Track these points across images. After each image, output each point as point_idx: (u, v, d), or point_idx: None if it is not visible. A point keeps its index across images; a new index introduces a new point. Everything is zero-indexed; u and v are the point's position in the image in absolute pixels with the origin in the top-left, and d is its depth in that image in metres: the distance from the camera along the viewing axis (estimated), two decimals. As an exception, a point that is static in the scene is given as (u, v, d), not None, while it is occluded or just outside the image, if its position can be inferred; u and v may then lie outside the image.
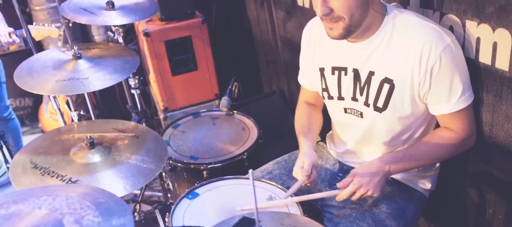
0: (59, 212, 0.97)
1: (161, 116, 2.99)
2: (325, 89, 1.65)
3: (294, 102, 2.81)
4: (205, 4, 3.07)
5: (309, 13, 2.30)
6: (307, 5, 2.30)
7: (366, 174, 1.45)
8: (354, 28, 1.40)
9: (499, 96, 1.38)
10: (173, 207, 1.57)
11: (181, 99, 2.97)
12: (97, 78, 1.81)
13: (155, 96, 3.14)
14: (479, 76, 1.41)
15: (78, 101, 3.55)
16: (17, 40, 2.65)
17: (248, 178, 1.67)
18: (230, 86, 2.27)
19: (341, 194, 1.47)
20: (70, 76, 1.80)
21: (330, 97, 1.65)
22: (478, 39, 1.36)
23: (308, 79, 1.79)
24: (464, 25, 1.39)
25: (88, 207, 0.99)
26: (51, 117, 3.78)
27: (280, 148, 2.12)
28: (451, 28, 1.45)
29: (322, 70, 1.64)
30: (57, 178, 1.60)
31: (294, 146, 1.82)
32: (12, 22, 2.77)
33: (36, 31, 2.73)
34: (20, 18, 2.12)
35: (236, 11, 3.26)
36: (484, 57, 1.36)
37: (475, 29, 1.36)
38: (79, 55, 1.87)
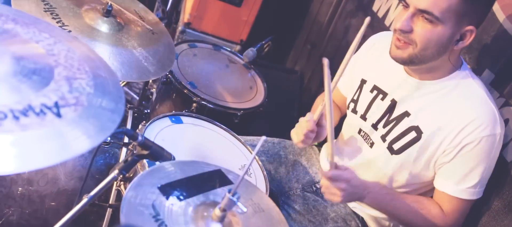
0: (54, 59, 0.87)
1: (179, 28, 2.85)
2: (355, 101, 1.58)
3: (308, 92, 2.73)
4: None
5: (376, 22, 2.19)
6: (380, 14, 2.18)
7: (354, 187, 1.33)
8: (418, 61, 1.31)
9: (508, 209, 1.32)
10: (152, 119, 1.47)
11: (207, 24, 2.83)
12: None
13: (185, 6, 2.99)
14: (502, 180, 1.34)
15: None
16: None
17: (234, 135, 1.60)
18: (263, 42, 2.16)
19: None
20: None
21: (354, 111, 1.57)
22: None
23: (345, 82, 1.69)
24: None
25: (85, 72, 0.89)
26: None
27: (272, 128, 2.04)
28: (506, 121, 1.36)
29: (363, 82, 1.56)
30: (57, 22, 1.49)
31: (285, 135, 1.73)
32: None
33: None
34: None
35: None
36: None
37: None
38: None
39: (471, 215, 1.41)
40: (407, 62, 1.33)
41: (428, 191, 1.49)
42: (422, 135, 1.36)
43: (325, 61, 1.06)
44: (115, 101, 0.87)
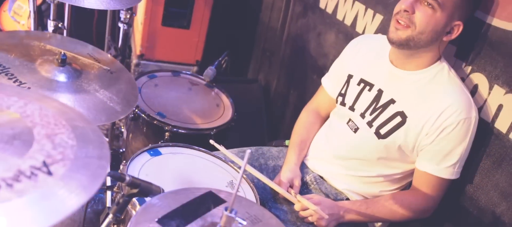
0: (30, 120, 0.86)
1: (134, 61, 2.84)
2: (342, 94, 1.68)
3: (277, 97, 2.78)
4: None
5: (328, 19, 2.27)
6: (329, 10, 2.26)
7: (328, 208, 1.51)
8: (413, 44, 1.43)
9: (497, 164, 1.42)
10: (131, 157, 1.46)
11: (160, 52, 2.83)
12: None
13: (134, 40, 2.97)
14: (487, 140, 1.44)
15: (48, 12, 3.28)
16: None
17: (211, 154, 1.62)
18: (220, 59, 2.18)
19: (299, 205, 1.52)
20: (66, -18, 1.65)
21: (342, 104, 1.67)
22: (499, 106, 1.40)
23: (332, 82, 1.80)
24: (491, 88, 1.43)
25: (63, 126, 0.88)
26: (13, 16, 3.48)
27: (245, 139, 2.06)
28: (475, 87, 1.48)
29: (350, 77, 1.67)
30: (14, 82, 1.46)
31: (259, 142, 1.79)
32: None
33: None
34: None
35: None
36: (501, 125, 1.40)
37: (501, 96, 1.39)
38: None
39: (464, 176, 1.50)
40: (403, 43, 1.44)
41: (401, 187, 1.62)
42: (407, 119, 1.48)
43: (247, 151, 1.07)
44: (99, 148, 0.88)
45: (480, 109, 1.46)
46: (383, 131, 1.52)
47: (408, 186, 1.62)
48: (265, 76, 2.95)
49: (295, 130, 1.83)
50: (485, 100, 1.45)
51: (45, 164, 0.76)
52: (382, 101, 1.54)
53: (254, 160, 1.81)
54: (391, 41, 1.47)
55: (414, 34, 1.41)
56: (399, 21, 1.43)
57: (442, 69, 1.47)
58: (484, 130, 1.44)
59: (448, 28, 1.41)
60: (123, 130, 2.32)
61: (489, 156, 1.45)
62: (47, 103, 0.96)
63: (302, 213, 1.52)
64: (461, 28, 1.41)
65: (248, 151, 0.99)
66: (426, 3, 1.38)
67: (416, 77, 1.49)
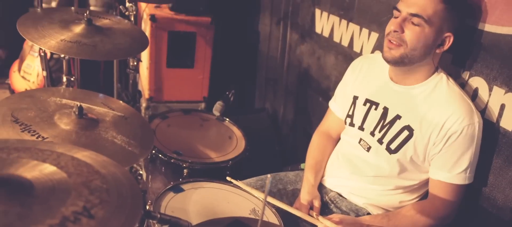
0: (65, 170, 0.93)
1: (144, 105, 2.92)
2: (351, 116, 1.73)
3: (286, 123, 2.84)
4: (218, 2, 3.05)
5: (325, 42, 2.34)
6: (325, 34, 2.34)
7: (350, 225, 1.54)
8: (407, 61, 1.49)
9: (508, 162, 1.45)
10: (156, 197, 1.52)
11: (168, 93, 2.92)
12: (105, 49, 1.75)
13: (142, 84, 3.07)
14: (496, 139, 1.49)
15: (56, 67, 3.40)
16: None
17: (232, 185, 1.66)
18: (227, 93, 2.26)
19: (322, 225, 1.55)
20: (77, 39, 1.74)
21: (352, 124, 1.72)
22: (502, 106, 1.45)
23: (339, 105, 1.86)
24: (490, 90, 1.48)
25: (95, 173, 0.95)
26: (23, 75, 3.60)
27: (260, 167, 2.11)
28: (476, 90, 1.54)
29: (355, 98, 1.73)
30: (37, 137, 1.53)
31: (274, 169, 1.84)
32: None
33: None
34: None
35: (248, 22, 3.28)
36: (506, 123, 1.45)
37: (502, 96, 1.45)
38: (89, 20, 1.81)
39: (479, 179, 1.54)
40: (398, 61, 1.51)
41: (418, 197, 1.66)
42: (414, 132, 1.53)
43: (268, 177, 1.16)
44: (131, 189, 0.94)
45: (483, 111, 1.51)
46: (393, 146, 1.57)
47: (427, 193, 1.65)
48: (272, 104, 3.02)
49: (309, 153, 1.88)
50: (487, 102, 1.50)
51: (85, 208, 0.82)
52: (389, 118, 1.60)
53: (273, 186, 1.85)
54: (386, 60, 1.54)
55: (407, 52, 1.48)
56: (391, 41, 1.50)
57: (441, 79, 1.53)
58: (491, 131, 1.49)
59: (439, 41, 1.48)
60: (141, 172, 2.38)
61: (500, 155, 1.49)
62: (76, 153, 1.03)
63: None
64: (452, 39, 1.47)
65: (268, 177, 1.04)
66: (413, 21, 1.45)
67: (417, 91, 1.55)
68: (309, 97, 2.53)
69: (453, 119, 1.44)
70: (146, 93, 2.91)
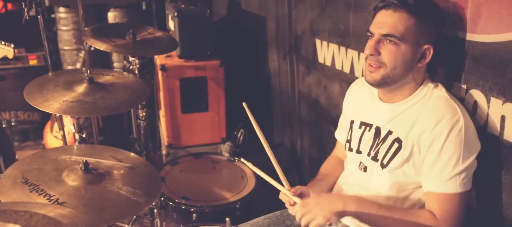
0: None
1: (164, 152, 2.98)
2: (349, 141, 1.72)
3: (303, 156, 2.80)
4: (226, 45, 3.12)
5: (329, 71, 2.34)
6: (328, 63, 2.34)
7: (319, 202, 1.46)
8: (390, 81, 1.47)
9: None
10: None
11: (186, 138, 2.97)
12: (104, 104, 1.82)
13: (162, 131, 3.15)
14: (501, 154, 1.39)
15: (85, 124, 3.57)
16: None
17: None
18: (235, 132, 2.26)
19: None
20: (78, 99, 1.82)
21: (350, 149, 1.70)
22: (503, 117, 1.37)
23: (342, 134, 1.86)
24: (489, 102, 1.41)
25: None
26: (55, 135, 3.80)
27: (274, 204, 2.07)
28: (475, 104, 1.47)
29: (352, 123, 1.72)
30: (44, 196, 1.58)
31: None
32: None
33: None
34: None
35: (258, 59, 3.32)
36: (509, 136, 1.36)
37: (500, 107, 1.37)
38: (90, 79, 1.89)
39: (489, 197, 1.45)
40: (381, 83, 1.48)
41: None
42: (402, 143, 1.48)
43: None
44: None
45: (485, 124, 1.42)
46: (385, 161, 1.52)
47: None
48: (290, 138, 2.99)
49: (320, 170, 1.88)
50: (487, 115, 1.42)
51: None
52: (382, 135, 1.57)
53: (280, 223, 1.82)
54: (369, 83, 1.52)
55: (388, 72, 1.45)
56: (370, 64, 1.48)
57: (428, 90, 1.49)
58: (496, 145, 1.39)
59: (418, 55, 1.44)
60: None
61: (508, 170, 1.39)
62: (51, 212, 1.06)
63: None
64: (432, 50, 1.43)
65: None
66: (387, 41, 1.43)
67: (405, 106, 1.52)
68: (321, 128, 2.49)
69: (439, 124, 1.38)
70: (165, 140, 2.98)
